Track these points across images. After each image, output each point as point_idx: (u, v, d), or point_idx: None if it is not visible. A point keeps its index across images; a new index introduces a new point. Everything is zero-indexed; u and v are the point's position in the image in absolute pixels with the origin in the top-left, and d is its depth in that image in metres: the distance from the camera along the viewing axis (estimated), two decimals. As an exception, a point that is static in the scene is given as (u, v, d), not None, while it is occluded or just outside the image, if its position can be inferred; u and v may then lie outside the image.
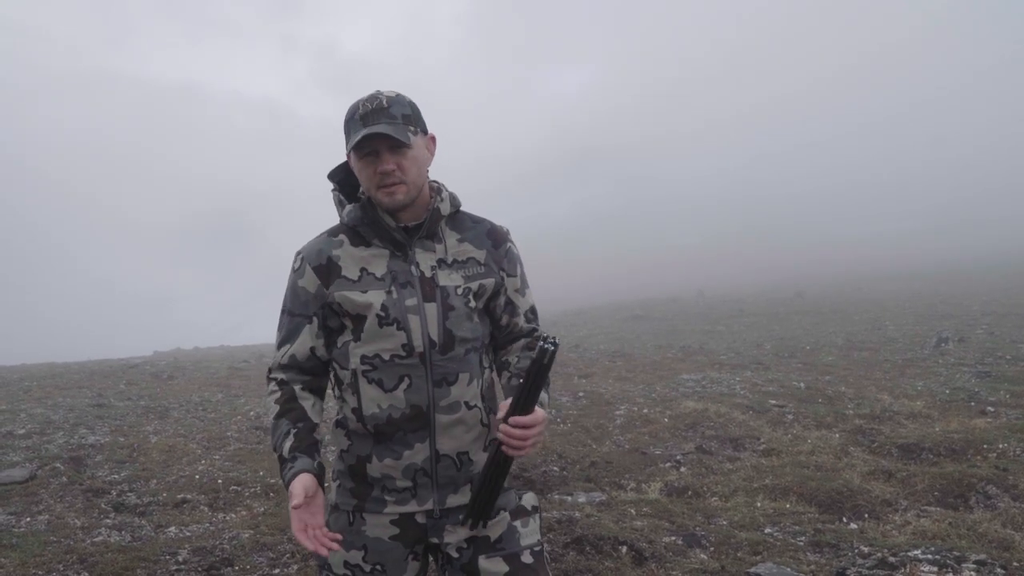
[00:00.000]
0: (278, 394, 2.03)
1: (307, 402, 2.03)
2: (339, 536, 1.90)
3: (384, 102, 1.92)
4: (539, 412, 1.84)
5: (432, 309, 1.95)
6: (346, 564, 2.00)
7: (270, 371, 2.09)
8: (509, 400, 1.86)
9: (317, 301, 2.01)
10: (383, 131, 1.87)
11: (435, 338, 1.94)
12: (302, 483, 1.86)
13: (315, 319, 2.02)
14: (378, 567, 1.99)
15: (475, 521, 1.94)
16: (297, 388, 2.04)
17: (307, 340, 2.03)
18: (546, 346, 1.80)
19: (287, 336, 2.05)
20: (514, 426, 1.81)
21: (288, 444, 1.94)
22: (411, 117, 1.95)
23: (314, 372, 2.07)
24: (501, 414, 1.85)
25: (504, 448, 1.84)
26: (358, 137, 1.88)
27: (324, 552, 1.87)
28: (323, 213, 2.21)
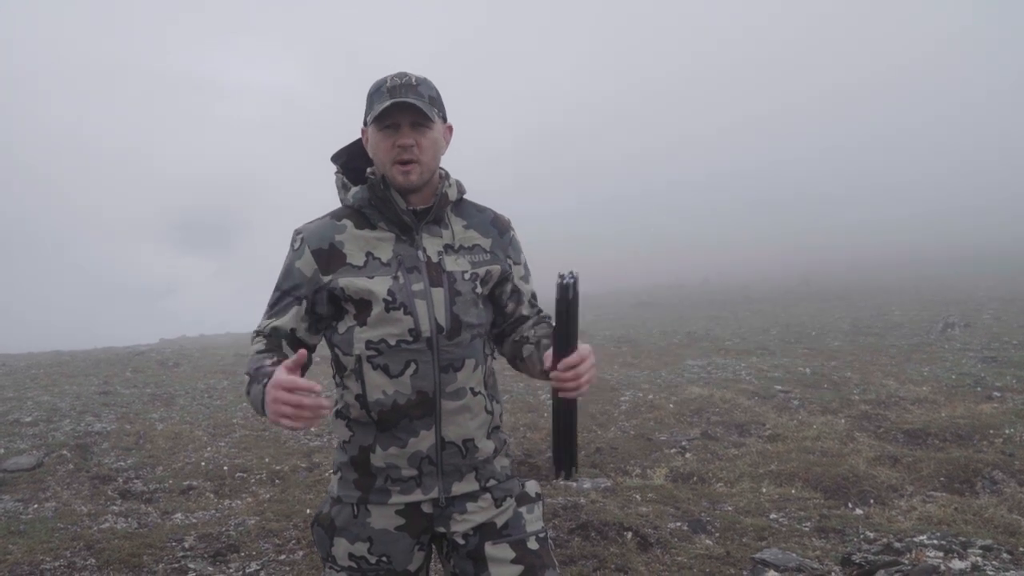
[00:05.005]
0: (264, 343, 1.96)
1: (291, 354, 1.94)
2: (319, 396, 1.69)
3: (413, 80, 1.94)
4: (584, 346, 1.78)
5: (439, 294, 1.94)
6: (351, 556, 1.99)
7: (256, 332, 2.01)
8: (550, 351, 1.82)
9: (310, 285, 1.98)
10: (412, 101, 1.88)
11: (442, 323, 1.93)
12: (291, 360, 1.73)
13: (304, 302, 1.98)
14: (384, 558, 1.98)
15: (568, 471, 1.89)
16: (284, 343, 1.97)
17: (292, 320, 1.98)
18: (566, 282, 1.73)
19: (275, 312, 2.00)
20: (564, 368, 1.76)
21: (269, 360, 1.87)
22: (436, 100, 1.97)
23: (296, 348, 2.00)
24: (548, 364, 1.81)
25: (563, 394, 1.81)
26: (385, 105, 1.88)
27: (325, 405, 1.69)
28: (325, 200, 2.18)
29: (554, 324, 1.80)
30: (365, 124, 1.98)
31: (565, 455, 1.89)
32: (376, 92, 1.94)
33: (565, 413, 1.86)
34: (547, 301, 2.02)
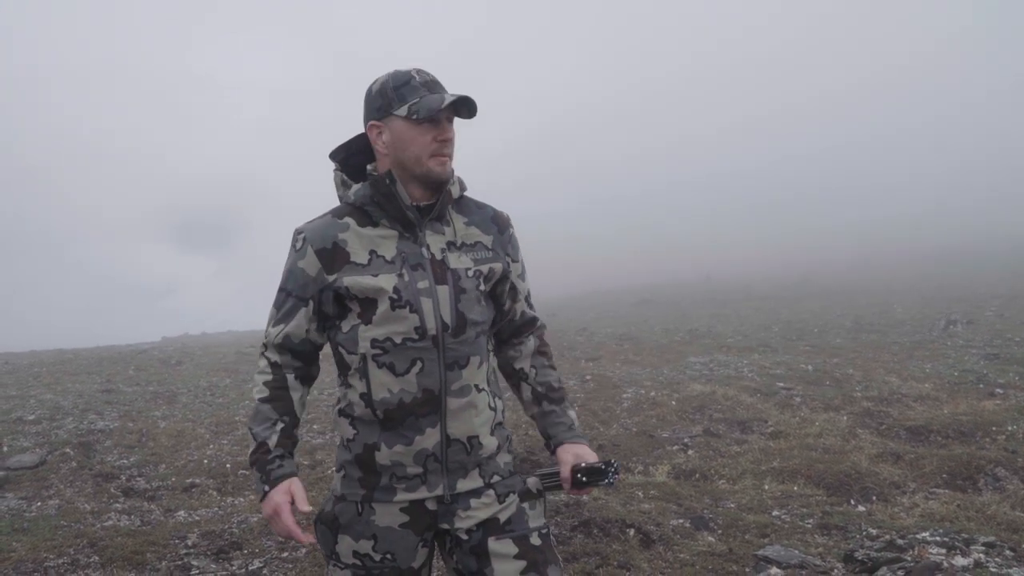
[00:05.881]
0: (269, 377, 2.02)
1: (296, 393, 2.04)
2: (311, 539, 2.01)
3: (433, 77, 1.97)
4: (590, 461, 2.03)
5: (444, 292, 1.94)
6: (355, 553, 1.98)
7: (265, 348, 2.06)
8: (574, 466, 2.01)
9: (315, 285, 1.97)
10: (471, 97, 1.92)
11: (448, 321, 1.93)
12: (298, 486, 1.96)
13: (311, 303, 1.98)
14: (388, 556, 1.97)
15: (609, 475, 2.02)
16: (290, 377, 2.03)
17: (302, 322, 2.00)
18: (610, 478, 1.97)
19: (283, 316, 2.02)
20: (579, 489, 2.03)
21: (275, 438, 1.98)
22: None
23: (306, 357, 2.06)
24: (565, 475, 2.03)
25: (573, 493, 2.05)
26: (452, 98, 1.90)
27: (305, 538, 1.97)
28: (326, 199, 2.17)
29: (584, 478, 1.99)
30: (379, 117, 1.95)
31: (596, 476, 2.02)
32: (406, 85, 1.93)
33: (550, 488, 2.09)
34: (544, 300, 2.04)
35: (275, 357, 2.04)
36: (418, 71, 1.95)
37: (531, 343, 2.17)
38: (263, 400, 2.01)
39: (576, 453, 2.04)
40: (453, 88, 2.00)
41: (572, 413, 2.14)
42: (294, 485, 1.95)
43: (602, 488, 2.02)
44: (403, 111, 1.91)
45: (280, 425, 1.99)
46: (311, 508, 1.94)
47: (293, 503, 1.93)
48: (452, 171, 1.99)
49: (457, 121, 2.05)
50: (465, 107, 1.94)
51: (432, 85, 1.94)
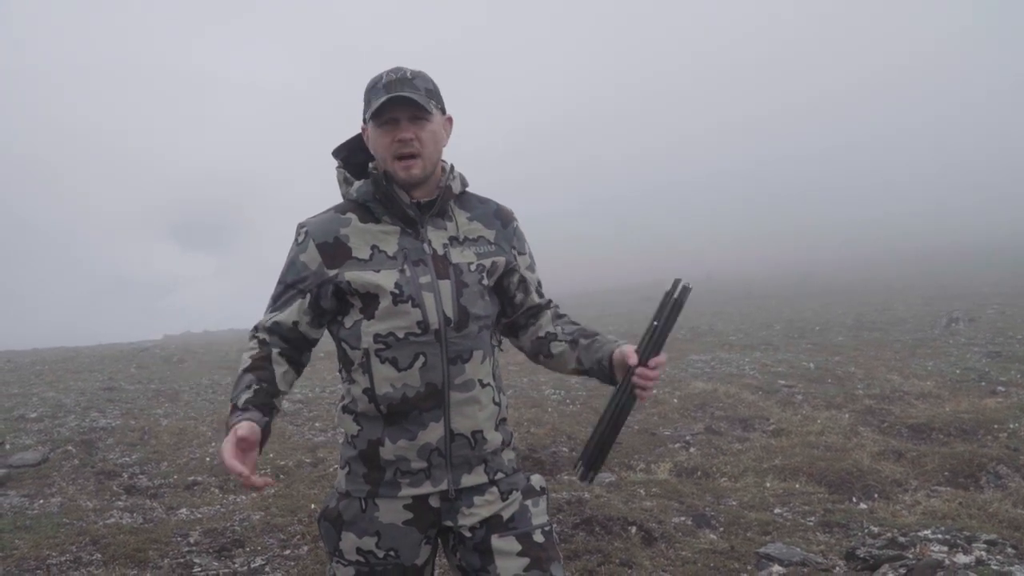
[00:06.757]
0: (256, 351, 1.99)
1: (280, 367, 1.98)
2: (269, 481, 1.83)
3: (408, 74, 1.94)
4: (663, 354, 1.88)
5: (446, 286, 1.94)
6: (359, 550, 1.98)
7: (255, 330, 2.04)
8: (635, 348, 1.87)
9: (315, 279, 1.98)
10: (408, 95, 1.88)
11: (450, 315, 1.93)
12: (250, 426, 1.79)
13: (308, 295, 1.98)
14: (392, 552, 1.97)
15: (589, 472, 1.89)
16: (275, 351, 1.99)
17: (294, 313, 1.99)
18: (679, 292, 1.84)
19: (278, 306, 2.01)
20: (654, 366, 1.84)
21: (245, 397, 1.89)
22: (433, 92, 1.97)
23: (295, 344, 2.03)
24: (633, 361, 1.84)
25: (639, 392, 1.85)
26: (381, 100, 1.88)
27: (255, 481, 1.74)
28: (328, 197, 2.18)
29: (654, 324, 1.86)
30: (364, 121, 1.98)
31: (599, 455, 1.89)
32: (372, 89, 1.94)
33: (622, 412, 1.88)
34: (541, 292, 2.05)
35: (263, 336, 2.02)
36: (390, 71, 1.94)
37: (548, 314, 2.16)
38: (245, 370, 1.96)
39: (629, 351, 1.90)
40: (452, 86, 2.00)
41: (612, 338, 2.03)
42: (252, 427, 1.80)
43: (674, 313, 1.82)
44: (367, 114, 1.93)
45: (255, 387, 1.92)
46: (249, 434, 1.77)
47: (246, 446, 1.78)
48: (425, 172, 1.95)
49: (453, 119, 2.06)
50: (400, 107, 1.90)
51: (393, 85, 1.90)
